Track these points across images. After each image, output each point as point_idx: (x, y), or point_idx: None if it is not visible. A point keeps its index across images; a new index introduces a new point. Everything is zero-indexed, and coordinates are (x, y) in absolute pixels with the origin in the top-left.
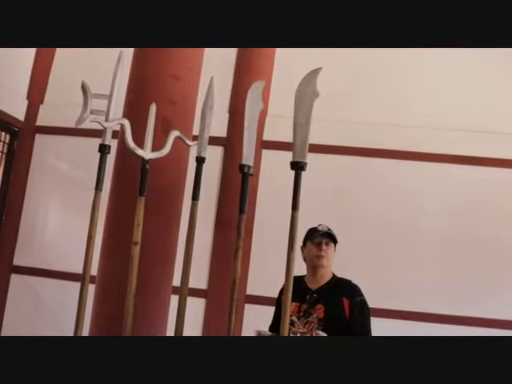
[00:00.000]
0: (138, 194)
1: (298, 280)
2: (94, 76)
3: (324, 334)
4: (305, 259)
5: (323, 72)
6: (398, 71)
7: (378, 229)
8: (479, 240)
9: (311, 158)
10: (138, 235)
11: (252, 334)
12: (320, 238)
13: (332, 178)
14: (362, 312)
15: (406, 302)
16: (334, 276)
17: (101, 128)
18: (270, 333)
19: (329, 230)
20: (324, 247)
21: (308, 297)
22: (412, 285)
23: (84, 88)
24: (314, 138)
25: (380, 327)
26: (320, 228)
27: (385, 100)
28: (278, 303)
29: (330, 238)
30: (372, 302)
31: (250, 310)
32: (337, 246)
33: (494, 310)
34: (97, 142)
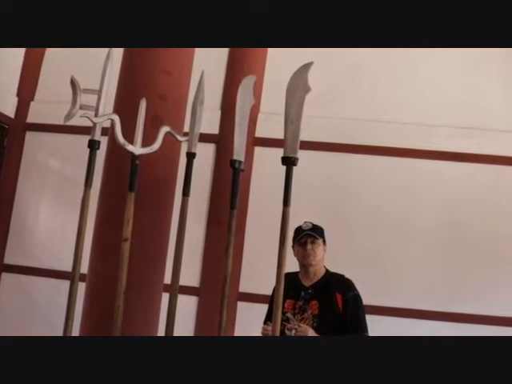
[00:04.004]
0: (128, 190)
1: (292, 277)
2: (84, 73)
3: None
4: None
5: (315, 69)
6: (391, 68)
7: (373, 226)
8: (474, 236)
9: (304, 156)
10: (128, 232)
11: (245, 331)
12: (305, 237)
13: (325, 175)
14: (356, 306)
15: (402, 299)
16: (327, 271)
17: (91, 124)
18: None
19: (314, 226)
20: (309, 246)
21: (303, 293)
22: (408, 282)
23: (73, 83)
24: (307, 135)
25: (376, 325)
26: (304, 226)
27: (378, 97)
28: (272, 299)
29: (315, 235)
30: (367, 299)
31: (242, 307)
32: (332, 242)
33: (491, 307)
34: (87, 139)
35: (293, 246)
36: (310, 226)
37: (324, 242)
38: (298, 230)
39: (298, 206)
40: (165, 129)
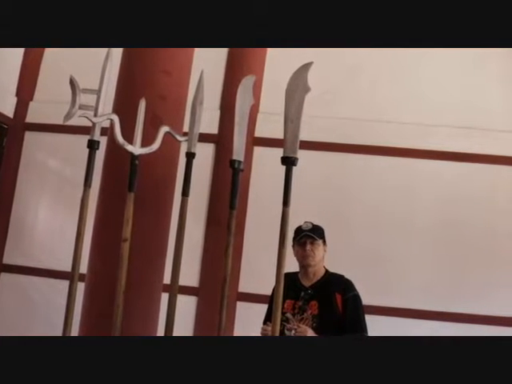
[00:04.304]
0: (128, 190)
1: (292, 277)
2: (83, 73)
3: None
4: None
5: (315, 69)
6: (391, 68)
7: (373, 226)
8: (474, 236)
9: (304, 156)
10: (127, 232)
11: (244, 331)
12: (304, 237)
13: (325, 175)
14: (356, 307)
15: (401, 299)
16: (326, 271)
17: (90, 124)
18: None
19: (314, 227)
20: (309, 247)
21: (303, 293)
22: (407, 282)
23: (72, 83)
24: (307, 135)
25: (376, 325)
26: (304, 227)
27: (378, 97)
28: (272, 299)
29: (314, 236)
30: (366, 299)
31: (242, 307)
32: (331, 242)
33: (491, 307)
34: (86, 139)
35: (293, 246)
36: (309, 226)
37: (324, 242)
38: (298, 230)
39: (297, 206)
40: (164, 129)
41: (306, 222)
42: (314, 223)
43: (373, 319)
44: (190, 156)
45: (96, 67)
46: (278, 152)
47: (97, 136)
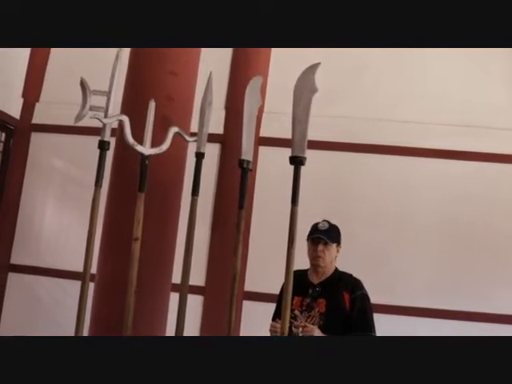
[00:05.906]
0: (138, 190)
1: (301, 274)
2: (89, 74)
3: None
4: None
5: (319, 68)
6: (394, 67)
7: (377, 224)
8: (480, 235)
9: (308, 155)
10: (138, 231)
11: (250, 330)
12: (318, 238)
13: (328, 173)
14: (363, 306)
15: (406, 297)
16: (336, 270)
17: (97, 126)
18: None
19: (330, 227)
20: (321, 248)
21: (311, 291)
22: (413, 281)
23: (83, 85)
24: (310, 134)
25: (381, 323)
26: (320, 226)
27: (382, 96)
28: (281, 296)
29: (328, 240)
30: (372, 298)
31: (248, 306)
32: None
33: (497, 305)
34: (93, 139)
35: (308, 240)
36: (326, 226)
37: (338, 243)
38: (313, 229)
39: (301, 204)
40: (174, 129)
41: (323, 221)
42: (332, 222)
43: (377, 317)
44: (200, 156)
45: (102, 68)
46: (284, 151)
47: (107, 137)
